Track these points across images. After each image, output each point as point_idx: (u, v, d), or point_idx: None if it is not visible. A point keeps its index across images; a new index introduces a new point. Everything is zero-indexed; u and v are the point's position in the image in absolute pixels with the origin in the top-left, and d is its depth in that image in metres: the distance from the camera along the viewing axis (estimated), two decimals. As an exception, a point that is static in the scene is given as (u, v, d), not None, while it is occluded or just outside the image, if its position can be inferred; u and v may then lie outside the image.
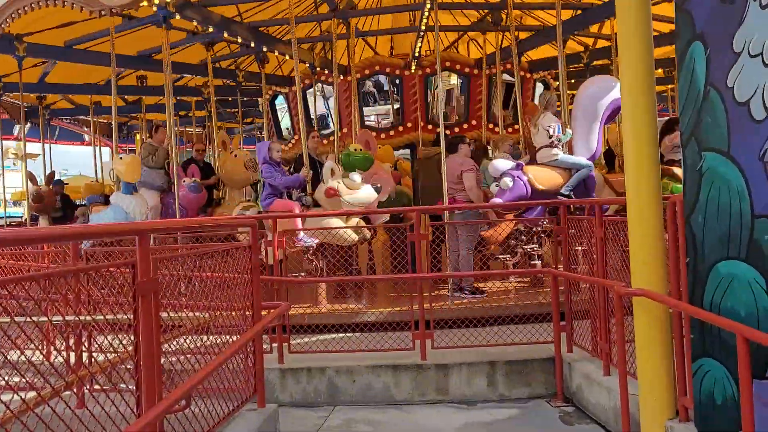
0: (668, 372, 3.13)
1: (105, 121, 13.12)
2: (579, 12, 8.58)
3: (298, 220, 6.55)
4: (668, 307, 3.12)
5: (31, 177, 9.61)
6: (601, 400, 4.03)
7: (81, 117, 12.82)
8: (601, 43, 10.15)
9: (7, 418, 1.76)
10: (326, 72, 9.74)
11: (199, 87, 11.37)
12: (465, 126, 9.58)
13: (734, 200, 2.57)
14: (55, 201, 9.79)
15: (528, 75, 10.08)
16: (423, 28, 8.49)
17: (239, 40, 8.90)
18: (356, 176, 6.78)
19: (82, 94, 11.40)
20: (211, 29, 8.20)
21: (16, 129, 12.47)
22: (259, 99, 11.63)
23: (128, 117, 13.42)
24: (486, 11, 9.48)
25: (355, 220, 6.68)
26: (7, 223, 11.67)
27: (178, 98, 12.07)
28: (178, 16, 7.23)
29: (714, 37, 2.67)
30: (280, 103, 11.18)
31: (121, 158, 7.57)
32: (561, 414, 4.40)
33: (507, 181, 6.33)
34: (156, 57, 9.17)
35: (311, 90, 10.34)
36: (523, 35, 9.36)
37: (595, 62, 10.11)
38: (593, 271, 4.43)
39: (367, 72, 9.70)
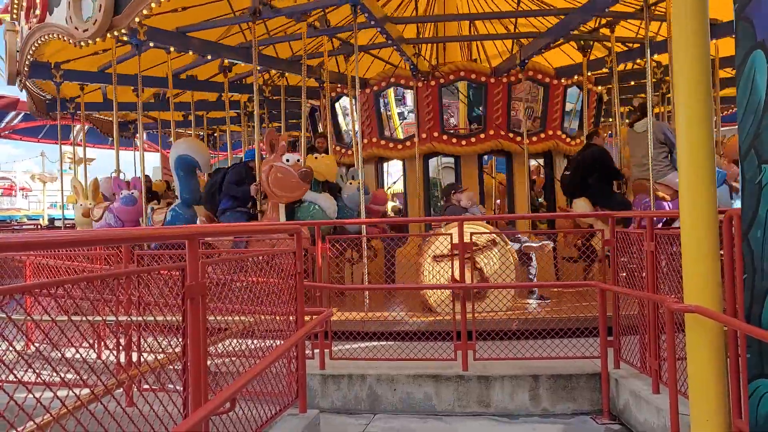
0: (722, 392, 3.00)
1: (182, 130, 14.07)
2: (563, 17, 8.35)
3: None
4: (723, 324, 3.00)
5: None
6: (650, 419, 3.90)
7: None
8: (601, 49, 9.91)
9: (63, 413, 1.83)
10: (339, 86, 10.13)
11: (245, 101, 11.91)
12: (482, 136, 9.48)
13: (797, 215, 2.45)
14: None
15: (555, 81, 9.91)
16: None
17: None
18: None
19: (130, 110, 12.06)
20: (191, 53, 8.67)
21: (72, 134, 12.98)
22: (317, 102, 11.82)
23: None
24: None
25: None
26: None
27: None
28: (151, 44, 7.61)
29: (776, 45, 2.57)
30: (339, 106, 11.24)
31: None
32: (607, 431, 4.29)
33: None
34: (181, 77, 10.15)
35: (340, 101, 10.50)
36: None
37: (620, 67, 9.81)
38: (642, 285, 4.30)
39: (383, 84, 9.77)
